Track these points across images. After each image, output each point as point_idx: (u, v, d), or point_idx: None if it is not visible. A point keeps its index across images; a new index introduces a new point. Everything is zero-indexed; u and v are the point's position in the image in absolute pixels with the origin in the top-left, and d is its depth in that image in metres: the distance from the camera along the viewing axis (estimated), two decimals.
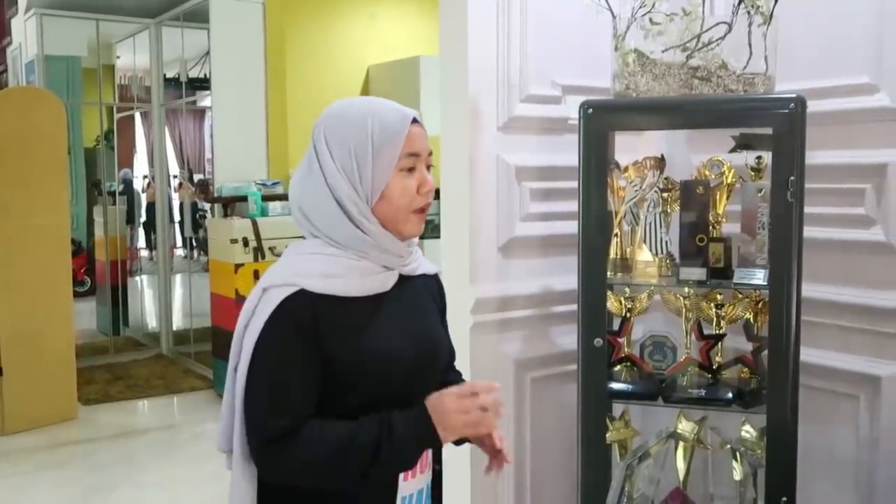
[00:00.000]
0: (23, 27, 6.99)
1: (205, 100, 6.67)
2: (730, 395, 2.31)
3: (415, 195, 1.42)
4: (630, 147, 2.50)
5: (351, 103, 1.45)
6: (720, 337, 2.39)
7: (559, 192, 2.52)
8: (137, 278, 8.26)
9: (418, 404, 1.38)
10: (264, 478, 1.40)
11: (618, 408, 2.47)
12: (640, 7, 2.24)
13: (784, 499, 2.14)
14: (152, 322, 7.42)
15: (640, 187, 2.35)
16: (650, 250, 2.40)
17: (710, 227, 2.34)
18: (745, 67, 2.18)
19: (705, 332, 2.39)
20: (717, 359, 2.40)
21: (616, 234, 2.40)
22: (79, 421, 5.18)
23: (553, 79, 2.55)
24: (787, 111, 2.08)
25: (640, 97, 2.26)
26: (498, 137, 2.47)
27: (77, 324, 5.66)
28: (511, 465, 2.53)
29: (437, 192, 1.60)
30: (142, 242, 9.14)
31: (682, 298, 2.45)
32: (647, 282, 2.40)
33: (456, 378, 1.63)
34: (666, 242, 2.42)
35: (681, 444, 2.39)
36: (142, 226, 9.08)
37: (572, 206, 2.32)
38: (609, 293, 2.40)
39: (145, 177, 8.81)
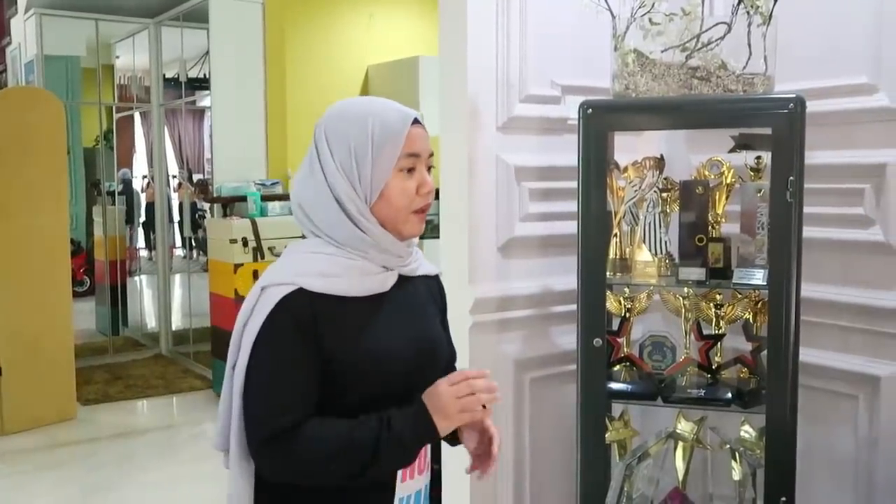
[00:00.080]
0: (22, 27, 6.99)
1: (204, 100, 6.68)
2: (729, 395, 2.31)
3: (414, 196, 1.42)
4: (629, 147, 2.51)
5: (352, 103, 1.45)
6: (719, 337, 2.39)
7: (559, 193, 2.52)
8: (137, 278, 8.27)
9: (416, 400, 1.38)
10: (264, 476, 1.41)
11: (617, 408, 2.47)
12: (640, 7, 2.24)
13: (783, 499, 2.14)
14: (151, 322, 7.42)
15: (640, 187, 2.35)
16: (649, 250, 2.40)
17: (710, 228, 2.34)
18: (744, 68, 2.19)
19: (704, 332, 2.40)
20: (717, 359, 2.40)
21: (615, 235, 2.40)
22: (78, 421, 5.18)
23: (552, 79, 2.55)
24: (786, 111, 2.08)
25: (640, 97, 2.26)
26: (497, 137, 2.47)
27: (76, 324, 5.65)
28: (511, 466, 2.56)
29: (437, 192, 1.60)
30: (141, 242, 9.14)
31: (681, 298, 2.46)
32: (646, 282, 2.41)
33: None
34: (665, 242, 2.42)
35: (680, 444, 2.39)
36: (141, 226, 9.08)
37: (572, 206, 2.33)
38: (608, 293, 2.40)
39: (144, 177, 8.81)
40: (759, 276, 2.21)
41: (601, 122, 2.25)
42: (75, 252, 7.02)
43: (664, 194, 2.42)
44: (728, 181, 2.38)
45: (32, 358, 4.96)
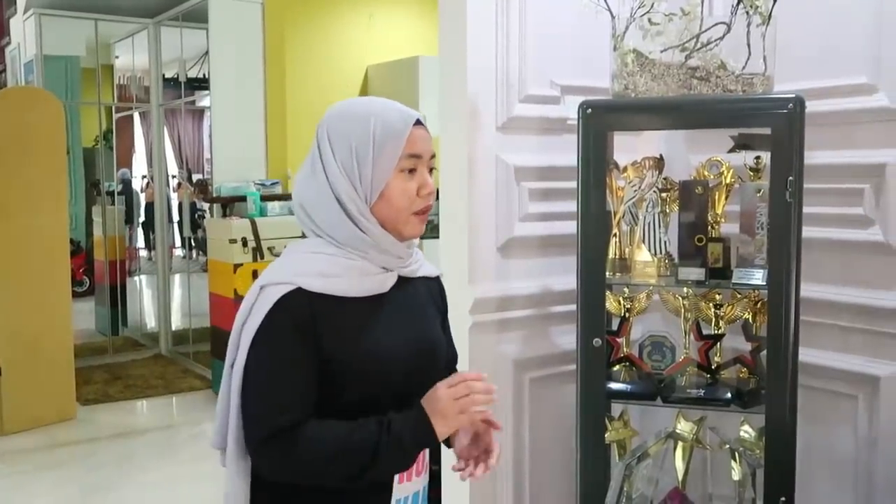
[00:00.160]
0: (21, 27, 6.99)
1: (204, 100, 6.67)
2: (728, 395, 2.31)
3: (414, 197, 1.42)
4: (629, 147, 2.51)
5: (355, 103, 1.45)
6: (719, 337, 2.39)
7: (558, 193, 2.52)
8: (136, 278, 8.27)
9: (415, 404, 1.38)
10: (262, 475, 1.41)
11: (617, 408, 2.47)
12: (639, 7, 2.24)
13: (783, 499, 2.14)
14: (151, 322, 7.41)
15: (639, 187, 2.35)
16: (649, 250, 2.41)
17: (709, 228, 2.34)
18: (743, 68, 2.19)
19: (704, 332, 2.40)
20: (716, 359, 2.40)
21: (615, 235, 2.40)
22: (77, 421, 5.17)
23: (552, 79, 2.55)
24: (785, 111, 2.08)
25: (639, 97, 2.26)
26: (497, 137, 2.47)
27: (76, 324, 5.65)
28: (511, 466, 2.56)
29: (437, 192, 1.60)
30: (141, 242, 9.14)
31: (680, 298, 2.46)
32: (645, 282, 2.41)
33: None
34: (665, 242, 2.42)
35: (679, 444, 2.39)
36: (141, 226, 9.08)
37: (571, 206, 2.33)
38: (608, 293, 2.40)
39: (144, 177, 8.81)
40: (758, 276, 2.21)
41: (601, 122, 2.25)
42: (75, 252, 7.02)
43: (664, 194, 2.42)
44: (727, 181, 2.38)
45: (32, 358, 4.96)
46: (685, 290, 2.43)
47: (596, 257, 2.29)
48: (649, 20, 2.22)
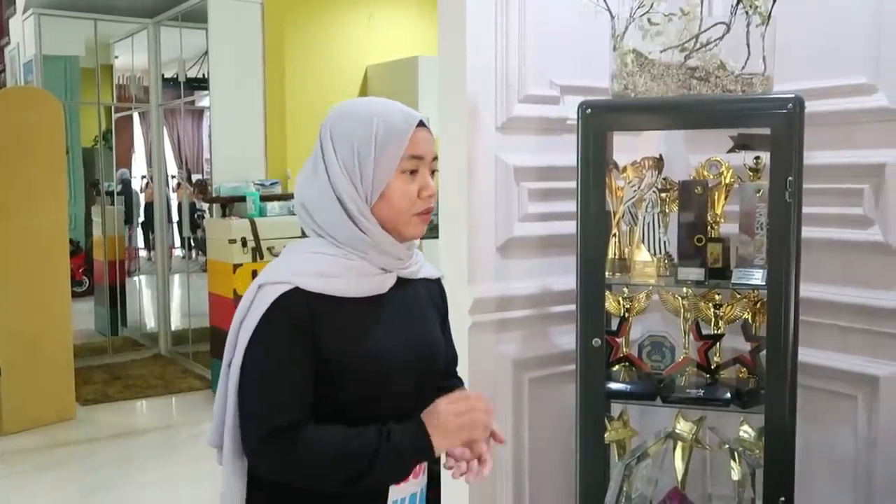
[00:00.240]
0: (21, 27, 6.98)
1: (203, 100, 6.67)
2: (728, 395, 2.31)
3: (415, 199, 1.42)
4: (628, 147, 2.51)
5: (358, 103, 1.46)
6: (718, 337, 2.39)
7: (558, 193, 2.52)
8: (136, 278, 8.26)
9: (415, 417, 1.39)
10: (258, 475, 1.41)
11: (616, 408, 2.47)
12: (639, 7, 2.24)
13: (782, 499, 2.14)
14: (150, 322, 7.41)
15: (639, 187, 2.35)
16: (648, 250, 2.41)
17: (709, 228, 2.35)
18: (743, 68, 2.19)
19: (703, 332, 2.40)
20: (716, 359, 2.40)
21: (614, 235, 2.40)
22: (77, 421, 5.17)
23: (551, 79, 2.55)
24: (785, 111, 2.08)
25: (639, 97, 2.26)
26: (496, 138, 2.48)
27: (75, 324, 5.64)
28: (511, 466, 2.56)
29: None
30: (140, 242, 9.14)
31: (680, 298, 2.46)
32: (645, 282, 2.41)
33: (457, 384, 1.63)
34: (664, 243, 2.42)
35: (679, 444, 2.39)
36: (140, 226, 9.08)
37: (571, 206, 2.33)
38: (607, 293, 2.40)
39: (143, 177, 8.81)
40: (758, 277, 2.21)
41: (600, 122, 2.25)
42: (74, 252, 7.01)
43: (663, 194, 2.42)
44: (727, 181, 2.38)
45: (31, 358, 4.96)
46: (685, 290, 2.43)
47: (595, 257, 2.29)
48: (649, 20, 2.22)
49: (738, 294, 2.39)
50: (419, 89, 6.31)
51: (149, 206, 8.28)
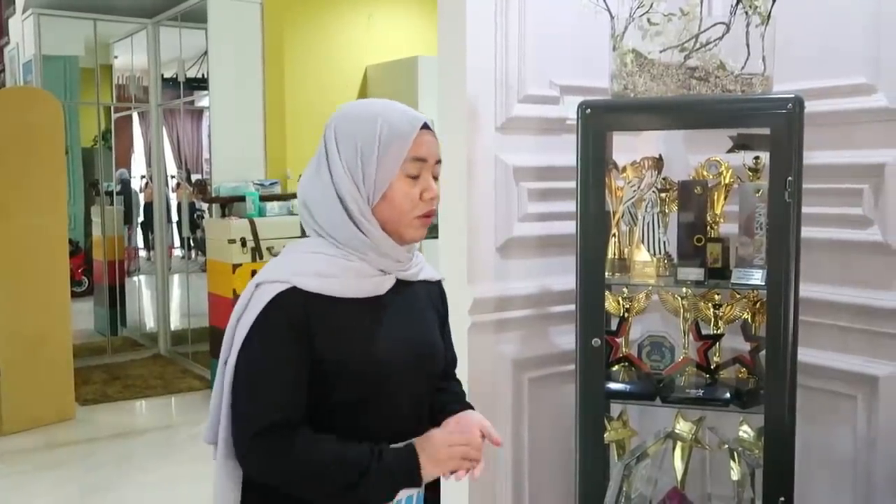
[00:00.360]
0: (20, 27, 6.98)
1: (203, 100, 6.67)
2: (727, 395, 2.31)
3: (417, 201, 1.42)
4: (628, 147, 2.51)
5: (364, 103, 1.46)
6: (718, 337, 2.39)
7: (557, 193, 2.52)
8: (135, 278, 8.26)
9: (407, 443, 1.40)
10: (246, 473, 1.41)
11: (616, 408, 2.47)
12: (638, 7, 2.24)
13: (782, 499, 2.14)
14: (150, 322, 7.41)
15: (638, 187, 2.35)
16: (648, 250, 2.41)
17: (708, 228, 2.35)
18: (742, 68, 2.19)
19: (703, 332, 2.40)
20: (715, 359, 2.40)
21: (614, 235, 2.40)
22: (76, 421, 5.17)
23: (551, 79, 2.55)
24: (784, 111, 2.08)
25: (638, 97, 2.26)
26: (496, 138, 2.48)
27: (74, 324, 5.64)
28: (510, 466, 2.56)
29: None
30: (140, 242, 9.13)
31: (679, 299, 2.46)
32: (644, 282, 2.41)
33: (455, 388, 1.63)
34: (664, 243, 2.42)
35: (679, 444, 2.39)
36: (140, 226, 9.07)
37: (570, 206, 2.33)
38: (607, 293, 2.40)
39: (143, 177, 8.80)
40: (757, 277, 2.21)
41: (600, 122, 2.25)
42: (73, 252, 7.01)
43: (663, 194, 2.43)
44: (726, 181, 2.38)
45: (31, 358, 4.96)
46: (684, 290, 2.43)
47: (595, 257, 2.29)
48: (648, 20, 2.22)
49: (738, 294, 2.39)
50: (419, 89, 6.31)
51: (148, 206, 8.27)
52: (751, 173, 2.36)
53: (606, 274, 2.34)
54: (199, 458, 4.39)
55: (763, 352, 2.23)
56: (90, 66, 7.07)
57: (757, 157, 2.33)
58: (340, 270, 1.40)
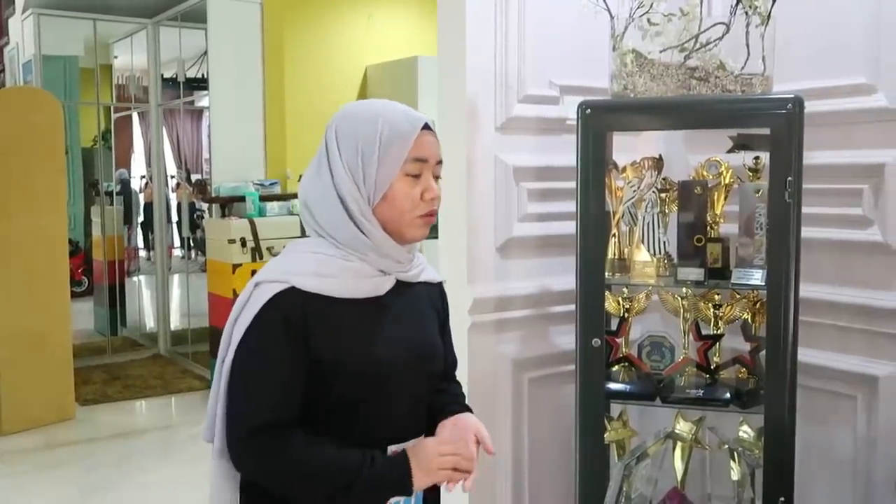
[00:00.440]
0: (20, 27, 6.98)
1: (202, 100, 6.66)
2: (727, 395, 2.31)
3: (418, 201, 1.42)
4: (628, 147, 2.51)
5: (365, 104, 1.46)
6: (718, 337, 2.39)
7: (557, 193, 2.52)
8: (135, 278, 8.25)
9: (401, 451, 1.40)
10: (238, 471, 1.41)
11: (616, 408, 2.47)
12: (638, 7, 2.24)
13: (782, 499, 2.14)
14: (150, 322, 7.41)
15: (638, 188, 2.35)
16: (648, 251, 2.41)
17: (708, 228, 2.34)
18: (742, 68, 2.19)
19: (703, 332, 2.40)
20: (715, 359, 2.40)
21: (614, 235, 2.40)
22: (76, 421, 5.17)
23: (551, 79, 2.55)
24: (784, 111, 2.08)
25: (638, 97, 2.26)
26: (496, 138, 2.48)
27: (74, 324, 5.64)
28: (510, 466, 2.56)
29: None
30: (140, 242, 9.13)
31: (679, 299, 2.46)
32: (644, 282, 2.41)
33: (455, 390, 1.63)
34: (664, 243, 2.42)
35: (679, 444, 2.39)
36: (139, 226, 9.07)
37: (570, 206, 2.33)
38: (607, 293, 2.40)
39: (143, 177, 8.80)
40: (757, 277, 2.21)
41: (600, 122, 2.25)
42: (73, 252, 7.01)
43: (663, 194, 2.43)
44: (726, 181, 2.38)
45: (31, 358, 4.95)
46: (684, 290, 2.43)
47: (595, 257, 2.29)
48: (648, 20, 2.22)
49: (738, 294, 2.39)
50: (418, 89, 6.31)
51: (148, 206, 8.27)
52: (751, 173, 2.36)
53: (606, 274, 2.34)
54: (199, 458, 4.39)
55: (763, 352, 2.23)
56: (90, 66, 7.06)
57: (757, 157, 2.33)
58: (339, 270, 1.40)
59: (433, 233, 2.79)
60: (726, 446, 2.35)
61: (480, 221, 2.46)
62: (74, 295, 6.02)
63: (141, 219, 9.05)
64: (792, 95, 2.10)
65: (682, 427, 2.38)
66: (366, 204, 1.40)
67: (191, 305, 6.74)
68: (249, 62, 5.95)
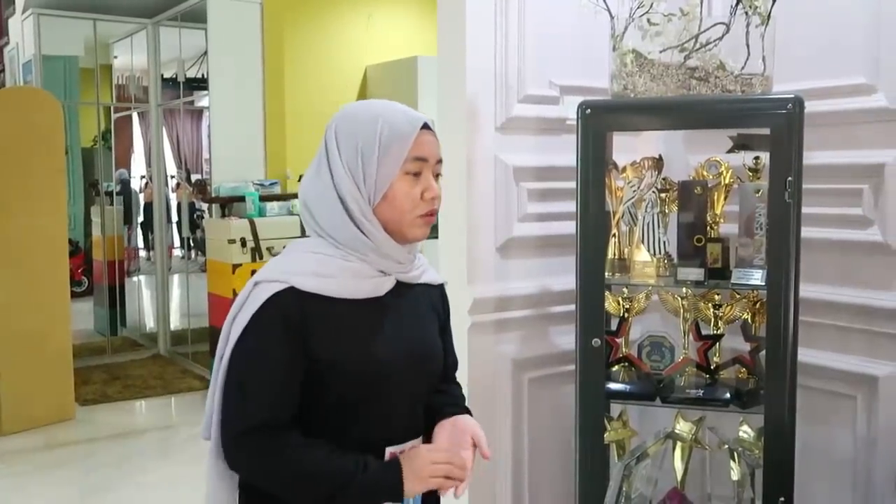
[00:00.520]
0: (20, 27, 6.98)
1: (202, 100, 6.66)
2: (727, 395, 2.31)
3: (418, 201, 1.42)
4: (628, 147, 2.51)
5: (364, 105, 1.46)
6: (718, 337, 2.39)
7: (557, 193, 2.52)
8: (135, 278, 8.25)
9: (393, 458, 1.40)
10: (231, 470, 1.41)
11: (616, 408, 2.47)
12: (638, 7, 2.24)
13: (781, 499, 2.14)
14: (150, 322, 7.41)
15: (638, 188, 2.35)
16: (648, 251, 2.41)
17: (708, 228, 2.34)
18: (742, 68, 2.19)
19: (703, 332, 2.40)
20: (715, 359, 2.40)
21: (614, 235, 2.40)
22: (76, 421, 5.17)
23: (551, 79, 2.55)
24: (784, 111, 2.08)
25: (638, 97, 2.26)
26: (496, 138, 2.48)
27: (74, 324, 5.63)
28: (510, 467, 2.56)
29: None
30: (139, 243, 9.13)
31: (679, 299, 2.46)
32: (644, 282, 2.41)
33: (454, 391, 1.63)
34: (664, 243, 2.42)
35: (679, 444, 2.39)
36: (139, 226, 9.07)
37: (570, 206, 2.33)
38: (607, 293, 2.40)
39: (143, 177, 8.80)
40: (757, 277, 2.21)
41: (600, 122, 2.25)
42: (73, 252, 7.01)
43: (663, 194, 2.42)
44: (726, 181, 2.38)
45: (31, 358, 4.95)
46: (684, 290, 2.43)
47: (595, 257, 2.29)
48: (648, 20, 2.22)
49: (738, 294, 2.39)
50: (418, 89, 6.32)
51: (148, 207, 8.27)
52: (751, 173, 2.35)
53: (606, 274, 2.34)
54: (199, 458, 4.36)
55: (763, 352, 2.23)
56: (90, 66, 7.06)
57: (757, 157, 2.33)
58: (339, 270, 1.40)
59: (433, 233, 2.79)
60: (726, 446, 2.35)
61: (480, 221, 2.46)
62: (74, 295, 6.02)
63: (141, 219, 9.05)
64: (792, 95, 2.10)
65: (682, 427, 2.38)
66: (366, 204, 1.40)
67: (191, 305, 6.74)
68: (249, 62, 5.95)
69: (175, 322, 7.14)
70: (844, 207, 2.37)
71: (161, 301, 6.92)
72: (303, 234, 1.51)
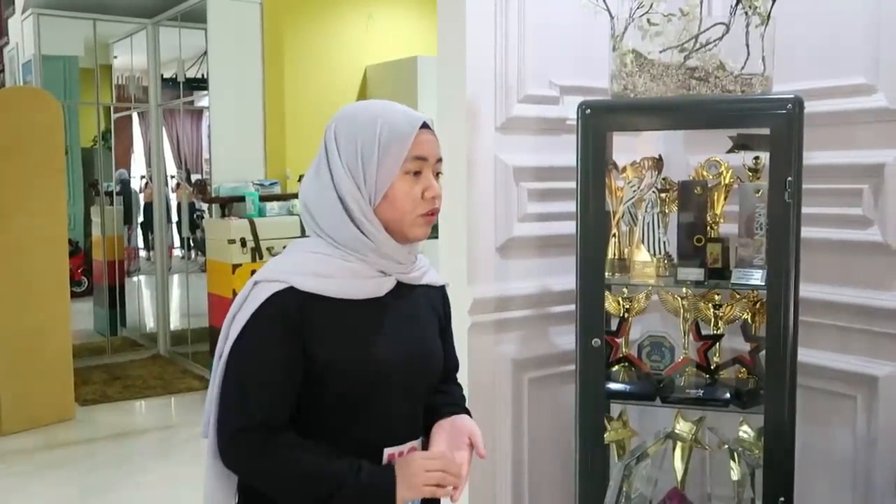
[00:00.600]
0: (20, 27, 6.98)
1: (202, 100, 6.67)
2: (727, 395, 2.31)
3: (419, 200, 1.42)
4: (628, 147, 2.51)
5: (364, 105, 1.47)
6: (718, 337, 2.39)
7: (557, 193, 2.52)
8: (135, 278, 8.25)
9: (387, 464, 1.40)
10: (226, 468, 1.42)
11: (616, 408, 2.47)
12: (638, 7, 2.24)
13: (781, 499, 2.14)
14: (150, 322, 7.41)
15: (638, 188, 2.35)
16: (648, 251, 2.41)
17: (708, 228, 2.34)
18: (742, 68, 2.19)
19: (703, 332, 2.40)
20: (715, 359, 2.40)
21: (614, 235, 2.40)
22: (76, 421, 5.17)
23: (551, 79, 2.55)
24: (784, 112, 2.08)
25: (638, 97, 2.26)
26: (496, 138, 2.48)
27: (74, 324, 5.63)
28: (510, 467, 2.56)
29: None
30: (139, 243, 9.13)
31: (679, 299, 2.46)
32: (644, 282, 2.41)
33: (454, 391, 1.63)
34: (664, 243, 2.42)
35: (679, 444, 2.39)
36: (139, 226, 9.07)
37: (570, 206, 2.33)
38: (607, 293, 2.40)
39: (143, 177, 8.80)
40: (757, 277, 2.21)
41: (600, 122, 2.25)
42: (73, 252, 7.01)
43: (662, 194, 2.42)
44: (726, 181, 2.38)
45: (30, 358, 4.95)
46: (684, 290, 2.43)
47: (595, 257, 2.29)
48: (648, 20, 2.22)
49: (738, 294, 2.39)
50: (418, 89, 6.31)
51: (148, 207, 8.27)
52: (751, 173, 2.35)
53: (606, 274, 2.34)
54: (199, 458, 4.36)
55: (763, 352, 2.23)
56: (90, 66, 7.06)
57: (757, 158, 2.33)
58: (338, 271, 1.40)
59: (433, 233, 2.79)
60: (726, 446, 2.35)
61: (480, 221, 2.46)
62: (74, 295, 6.01)
63: (141, 219, 9.05)
64: (792, 95, 2.10)
65: (682, 427, 2.38)
66: (367, 204, 1.40)
67: (190, 305, 6.74)
68: (249, 62, 5.95)
69: (175, 322, 7.15)
70: (844, 207, 2.37)
71: (161, 301, 6.92)
72: (303, 234, 1.51)
